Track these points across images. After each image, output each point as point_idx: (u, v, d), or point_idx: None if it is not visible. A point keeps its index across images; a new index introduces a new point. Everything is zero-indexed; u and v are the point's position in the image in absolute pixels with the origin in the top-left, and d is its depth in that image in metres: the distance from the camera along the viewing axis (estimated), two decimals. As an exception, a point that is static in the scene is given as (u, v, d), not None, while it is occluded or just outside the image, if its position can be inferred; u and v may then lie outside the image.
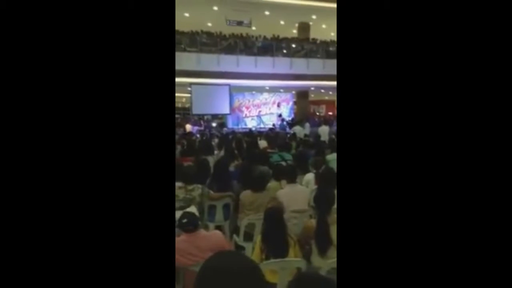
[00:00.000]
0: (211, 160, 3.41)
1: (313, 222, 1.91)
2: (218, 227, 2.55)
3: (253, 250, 1.79)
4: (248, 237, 2.30)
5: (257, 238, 1.77)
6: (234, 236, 2.44)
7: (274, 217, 1.71)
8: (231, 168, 3.18)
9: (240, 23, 11.22)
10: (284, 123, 9.67)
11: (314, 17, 11.63)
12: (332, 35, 13.03)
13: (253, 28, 11.54)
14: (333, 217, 1.91)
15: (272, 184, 2.73)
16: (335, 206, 2.05)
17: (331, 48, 11.78)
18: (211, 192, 2.62)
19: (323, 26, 12.54)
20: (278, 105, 12.50)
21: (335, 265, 1.58)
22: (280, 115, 10.03)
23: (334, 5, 10.22)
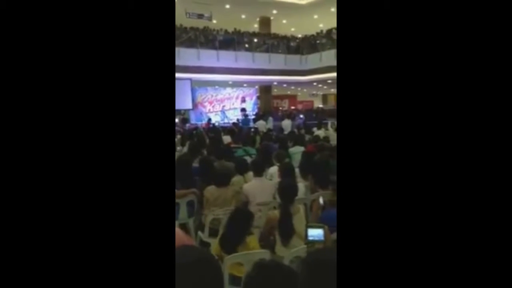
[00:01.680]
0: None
1: (276, 213, 1.96)
2: (183, 225, 2.50)
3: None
4: (214, 233, 2.29)
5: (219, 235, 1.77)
6: (199, 232, 2.41)
7: (239, 218, 1.71)
8: (195, 164, 3.12)
9: (200, 16, 10.93)
10: (248, 117, 9.71)
11: (274, 12, 11.73)
12: (293, 30, 13.27)
13: (214, 21, 11.33)
14: (295, 208, 1.98)
15: (236, 178, 2.73)
16: (297, 196, 2.13)
17: (292, 43, 12.01)
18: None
19: (284, 21, 12.71)
20: (244, 100, 12.48)
21: (298, 254, 1.64)
22: (243, 110, 10.04)
23: (294, 1, 10.27)
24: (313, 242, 1.06)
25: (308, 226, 1.11)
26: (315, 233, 1.08)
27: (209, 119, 10.13)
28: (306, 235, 1.08)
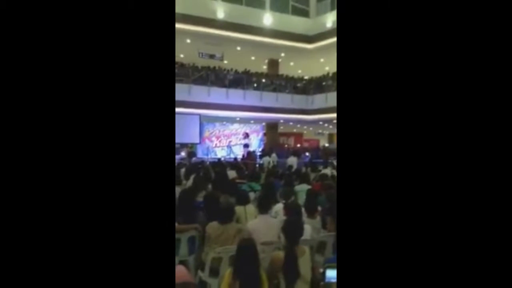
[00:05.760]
0: (178, 190, 3.28)
1: (280, 254, 1.86)
2: (182, 262, 2.38)
3: (220, 286, 1.67)
4: (214, 272, 2.17)
5: (226, 272, 1.67)
6: (199, 271, 2.29)
7: (247, 251, 1.64)
8: (199, 198, 3.07)
9: (212, 56, 11.54)
10: (255, 153, 9.70)
11: (282, 54, 12.34)
12: (299, 72, 13.83)
13: (225, 61, 11.92)
14: (301, 249, 1.88)
15: (237, 208, 2.65)
16: (303, 237, 2.03)
17: (298, 84, 12.44)
18: (176, 224, 2.48)
19: (291, 63, 13.30)
20: (247, 136, 12.63)
21: (303, 300, 1.52)
22: (246, 145, 10.02)
23: (302, 45, 10.88)
24: (331, 284, 0.99)
25: (326, 266, 1.04)
26: (335, 275, 1.00)
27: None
28: (324, 277, 1.00)
